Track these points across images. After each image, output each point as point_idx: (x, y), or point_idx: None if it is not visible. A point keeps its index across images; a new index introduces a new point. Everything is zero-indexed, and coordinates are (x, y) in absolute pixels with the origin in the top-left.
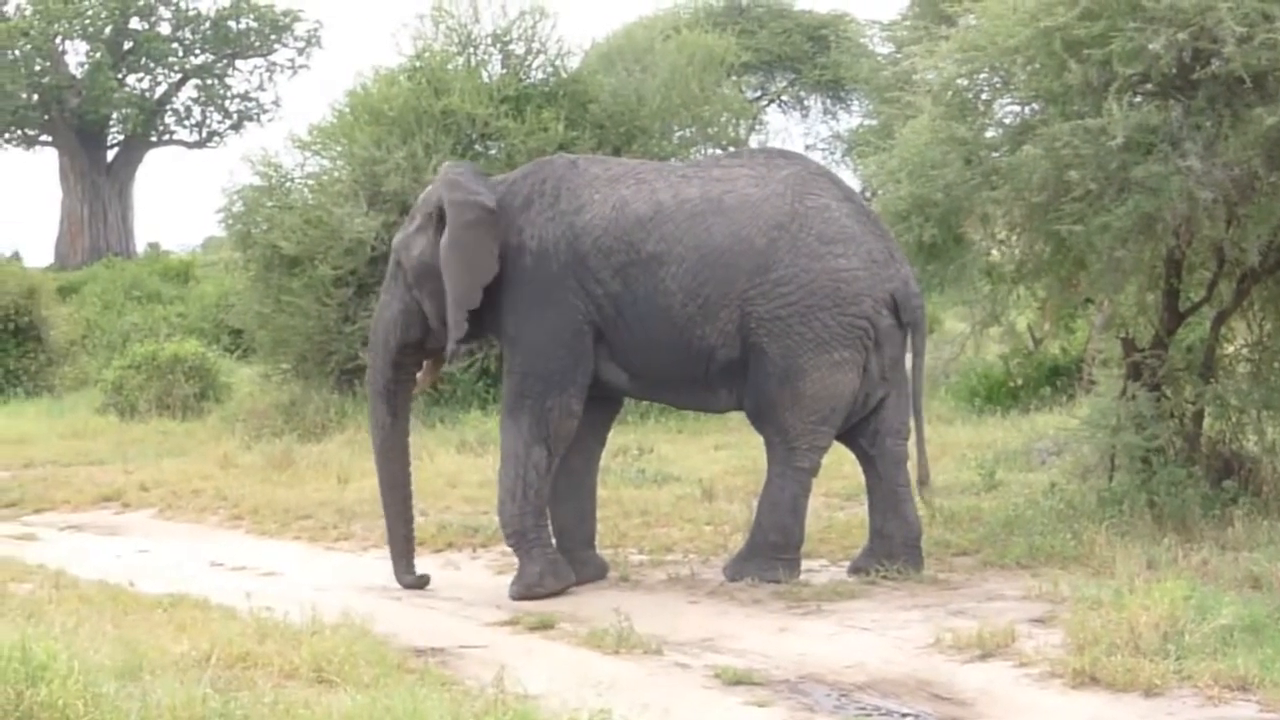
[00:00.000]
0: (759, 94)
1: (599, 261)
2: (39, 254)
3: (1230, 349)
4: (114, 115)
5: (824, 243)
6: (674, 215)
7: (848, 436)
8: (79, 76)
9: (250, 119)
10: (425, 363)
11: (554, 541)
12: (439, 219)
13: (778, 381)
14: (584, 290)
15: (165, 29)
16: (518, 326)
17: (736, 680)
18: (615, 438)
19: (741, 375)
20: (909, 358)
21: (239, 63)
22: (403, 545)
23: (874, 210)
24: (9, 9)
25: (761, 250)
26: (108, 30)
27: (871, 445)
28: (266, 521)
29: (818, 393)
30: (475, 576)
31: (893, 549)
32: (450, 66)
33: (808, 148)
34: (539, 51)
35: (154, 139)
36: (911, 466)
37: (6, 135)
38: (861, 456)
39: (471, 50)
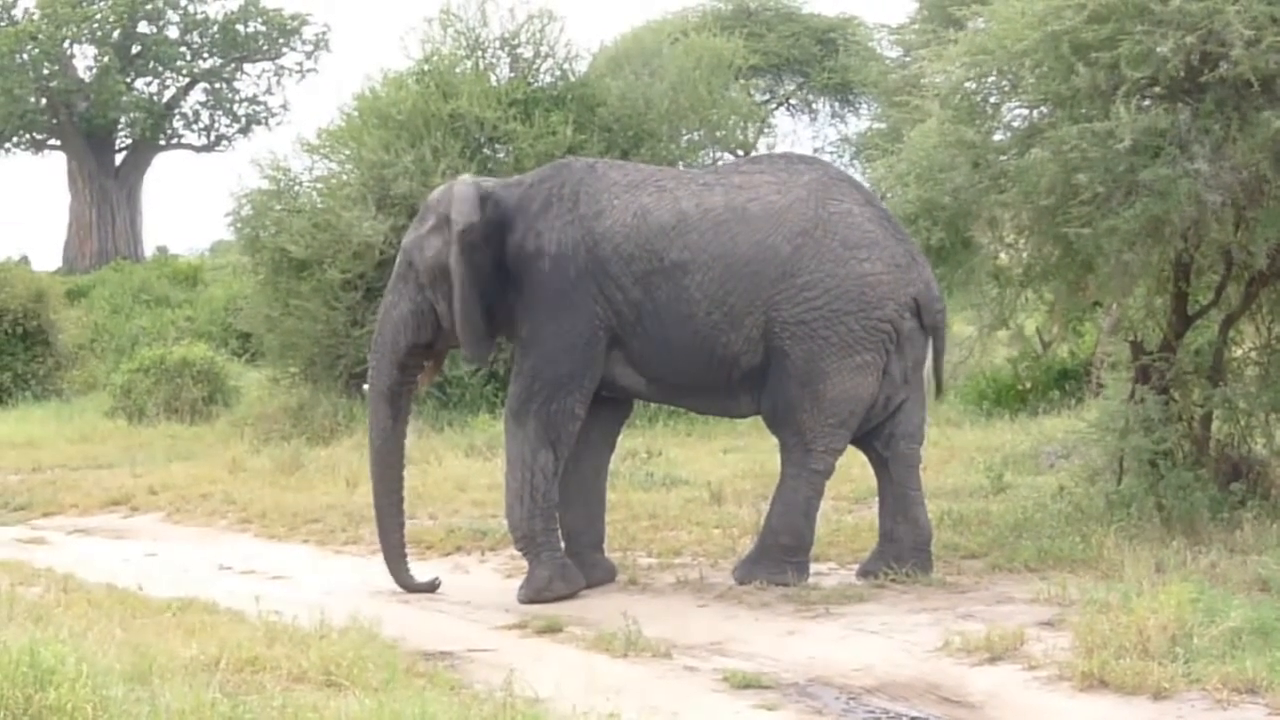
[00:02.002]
0: (767, 97)
1: (620, 268)
2: (47, 258)
3: (1239, 352)
4: (122, 119)
5: (848, 248)
6: (698, 224)
7: (862, 439)
8: (87, 80)
9: (258, 123)
10: (426, 364)
11: (563, 545)
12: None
13: (799, 384)
14: (604, 296)
15: (173, 33)
16: (533, 329)
17: (745, 683)
18: (624, 441)
19: (764, 380)
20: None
21: (247, 66)
22: (399, 550)
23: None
24: (17, 13)
25: (787, 258)
26: (116, 34)
27: (886, 448)
28: (275, 525)
29: (838, 396)
30: (484, 580)
31: (902, 552)
32: (458, 70)
33: (816, 151)
34: (547, 55)
35: (162, 143)
36: (925, 469)
37: (15, 139)
38: (874, 459)
39: (480, 54)
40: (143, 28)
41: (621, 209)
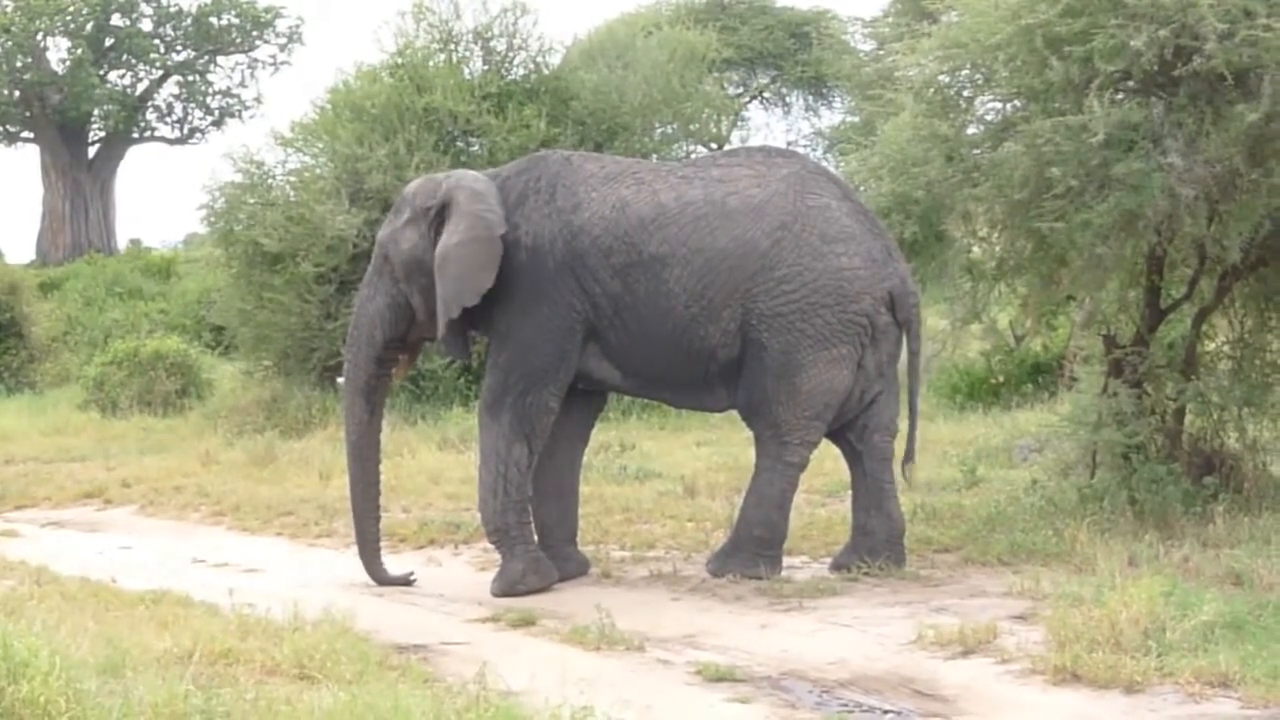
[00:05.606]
0: (741, 90)
1: (598, 261)
2: (20, 250)
3: (1211, 346)
4: (95, 112)
5: (826, 242)
6: (677, 218)
7: (836, 432)
8: (60, 73)
9: (232, 115)
10: (401, 357)
11: (536, 538)
12: (437, 215)
13: (775, 376)
14: (582, 289)
15: (147, 25)
16: (509, 322)
17: (718, 677)
18: (597, 434)
19: (740, 373)
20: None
21: (220, 59)
22: (375, 544)
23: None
24: None
25: (765, 251)
26: (89, 27)
27: (859, 441)
28: (248, 518)
29: (814, 388)
30: (457, 573)
31: (875, 545)
32: (432, 63)
33: (789, 144)
34: (520, 48)
35: (135, 135)
36: (899, 457)
37: None
38: (848, 452)
39: (453, 47)
40: (116, 20)
41: (599, 202)
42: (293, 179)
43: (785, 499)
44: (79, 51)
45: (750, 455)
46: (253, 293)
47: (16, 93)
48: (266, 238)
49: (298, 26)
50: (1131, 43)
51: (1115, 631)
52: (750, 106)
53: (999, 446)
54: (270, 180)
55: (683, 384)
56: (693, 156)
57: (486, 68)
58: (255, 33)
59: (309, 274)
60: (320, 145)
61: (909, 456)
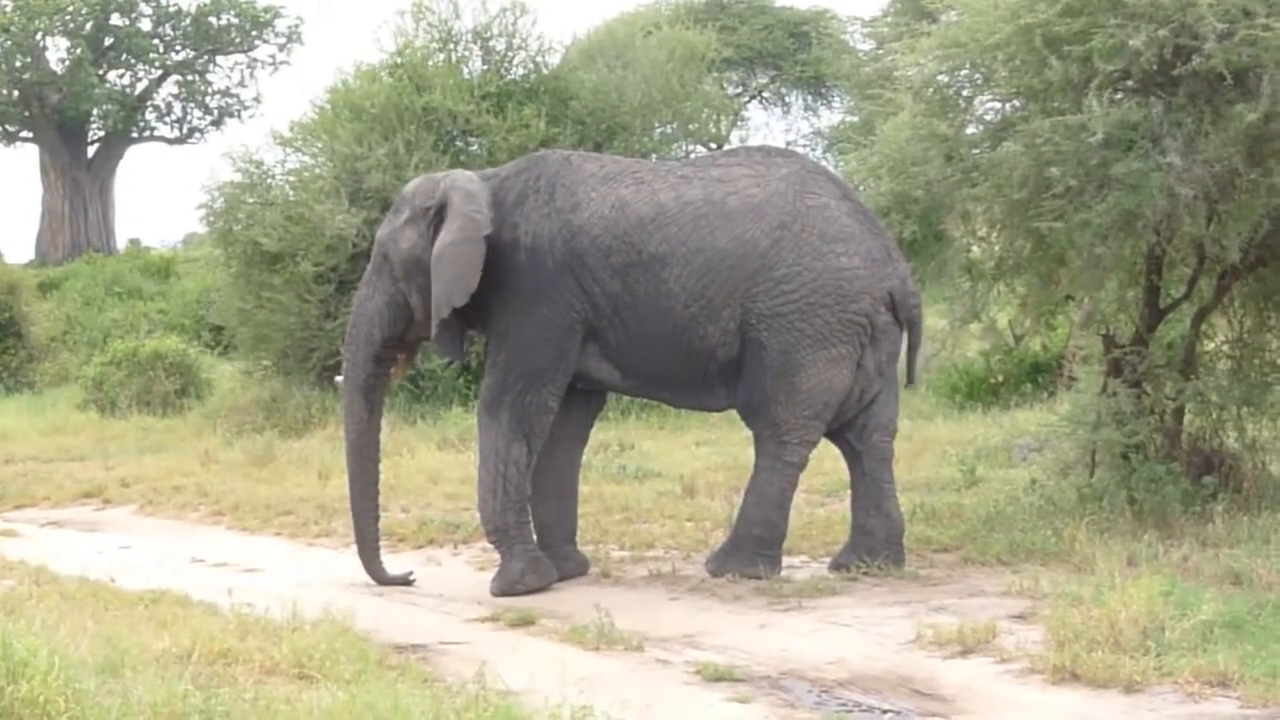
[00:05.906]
0: (740, 90)
1: (597, 261)
2: (19, 250)
3: (1211, 345)
4: (95, 111)
5: (826, 241)
6: (677, 217)
7: (835, 432)
8: (60, 73)
9: (231, 115)
10: (399, 357)
11: (535, 538)
12: (436, 215)
13: (774, 376)
14: (581, 289)
15: (146, 25)
16: (508, 322)
17: (718, 676)
18: (596, 434)
19: (739, 373)
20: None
21: (220, 59)
22: (374, 543)
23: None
24: None
25: (765, 251)
26: (88, 26)
27: (859, 440)
28: (247, 518)
29: (813, 388)
30: (456, 573)
31: (874, 545)
32: (431, 63)
33: (789, 144)
34: (520, 48)
35: (135, 135)
36: (897, 463)
37: None
38: (847, 452)
39: (452, 47)
40: (115, 20)
41: (599, 201)
42: (292, 179)
43: (784, 498)
44: (78, 51)
45: (749, 455)
46: (252, 292)
47: (16, 92)
48: (266, 237)
49: (297, 26)
50: (1130, 42)
51: (1114, 631)
52: (750, 106)
53: (998, 446)
54: (269, 180)
55: (682, 384)
56: (692, 156)
57: (486, 67)
58: (255, 32)
59: (308, 273)
60: (319, 145)
61: (910, 379)
